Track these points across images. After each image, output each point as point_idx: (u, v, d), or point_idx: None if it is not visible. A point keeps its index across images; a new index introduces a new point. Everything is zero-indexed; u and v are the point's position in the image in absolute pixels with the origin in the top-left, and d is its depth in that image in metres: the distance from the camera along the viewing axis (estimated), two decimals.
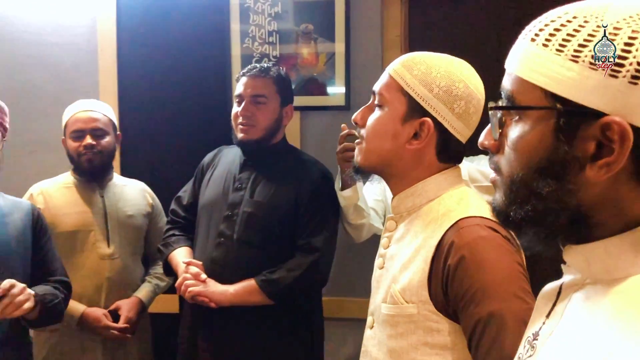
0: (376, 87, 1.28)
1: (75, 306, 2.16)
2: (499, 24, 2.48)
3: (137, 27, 2.73)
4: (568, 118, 0.63)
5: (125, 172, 2.57)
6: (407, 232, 1.24)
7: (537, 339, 0.70)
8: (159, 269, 2.23)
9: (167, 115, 2.74)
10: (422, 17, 2.58)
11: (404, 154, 1.24)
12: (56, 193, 2.26)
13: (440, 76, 1.21)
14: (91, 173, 2.25)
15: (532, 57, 0.66)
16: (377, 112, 1.27)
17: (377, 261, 1.30)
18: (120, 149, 2.55)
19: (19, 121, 2.71)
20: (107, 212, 2.26)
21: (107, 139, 2.25)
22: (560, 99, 0.63)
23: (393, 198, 1.30)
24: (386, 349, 1.20)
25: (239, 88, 2.05)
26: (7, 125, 1.88)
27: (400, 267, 1.20)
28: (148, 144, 2.62)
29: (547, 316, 0.71)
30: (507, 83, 0.70)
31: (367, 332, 1.29)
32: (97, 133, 2.22)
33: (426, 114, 1.21)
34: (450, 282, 1.10)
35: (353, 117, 1.32)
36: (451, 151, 1.25)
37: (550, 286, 0.74)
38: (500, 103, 0.72)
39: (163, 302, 2.55)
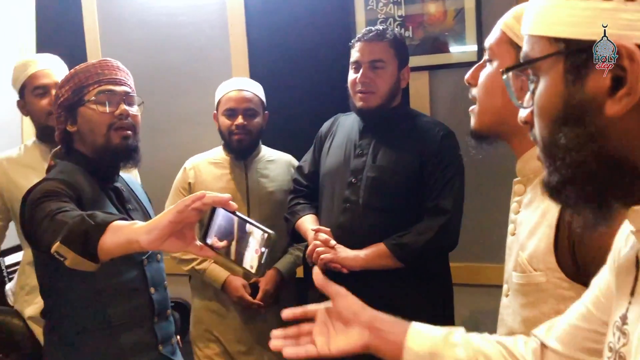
0: (487, 42, 1.20)
1: (220, 272, 2.30)
2: None
3: (263, 1, 2.77)
4: (573, 57, 0.59)
5: None
6: (535, 195, 1.15)
7: (626, 324, 0.61)
8: None
9: (296, 85, 2.77)
10: None
11: (516, 109, 1.13)
12: (205, 168, 2.38)
13: None
14: (239, 151, 2.34)
15: (533, 12, 0.64)
16: (487, 68, 1.19)
17: (509, 227, 1.23)
18: None
19: (160, 100, 2.88)
20: (249, 188, 2.35)
21: (257, 119, 2.33)
22: (564, 40, 0.60)
23: (518, 160, 1.21)
24: (520, 318, 1.15)
25: (354, 54, 2.01)
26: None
27: (528, 233, 1.13)
28: (279, 115, 2.66)
29: (632, 294, 0.62)
30: (523, 47, 0.68)
31: (503, 300, 1.23)
32: (249, 113, 2.30)
33: None
34: (577, 248, 1.02)
35: (465, 77, 1.24)
36: None
37: (624, 258, 0.66)
38: None
39: None
